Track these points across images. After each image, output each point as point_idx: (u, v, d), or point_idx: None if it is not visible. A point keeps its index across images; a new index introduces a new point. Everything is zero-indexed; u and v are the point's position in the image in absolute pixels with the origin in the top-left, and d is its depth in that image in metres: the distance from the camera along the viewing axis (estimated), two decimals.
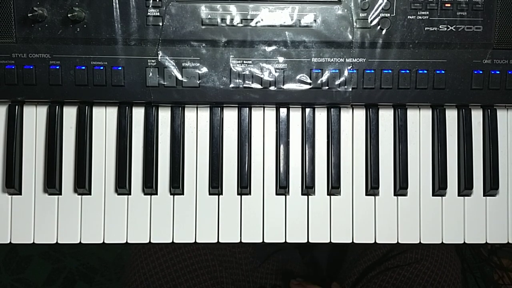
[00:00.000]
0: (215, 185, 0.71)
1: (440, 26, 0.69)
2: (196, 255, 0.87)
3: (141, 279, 0.85)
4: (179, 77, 0.68)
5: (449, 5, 0.68)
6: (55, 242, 0.71)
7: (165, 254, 0.86)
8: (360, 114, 0.73)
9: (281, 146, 0.72)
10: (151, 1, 0.67)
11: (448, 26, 0.69)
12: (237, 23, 0.68)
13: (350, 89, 0.69)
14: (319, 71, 0.69)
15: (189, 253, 0.87)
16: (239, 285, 0.93)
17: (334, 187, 0.71)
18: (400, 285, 0.87)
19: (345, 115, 0.73)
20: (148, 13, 0.67)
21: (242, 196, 0.72)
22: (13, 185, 0.70)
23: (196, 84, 0.68)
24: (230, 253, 0.92)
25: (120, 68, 0.68)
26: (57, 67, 0.68)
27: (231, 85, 0.69)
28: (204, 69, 0.68)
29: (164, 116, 0.72)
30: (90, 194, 0.71)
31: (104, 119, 0.72)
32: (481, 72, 0.69)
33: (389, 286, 0.87)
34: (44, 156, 0.71)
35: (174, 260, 0.85)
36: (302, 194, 0.72)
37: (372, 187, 0.71)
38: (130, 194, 0.71)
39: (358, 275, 0.94)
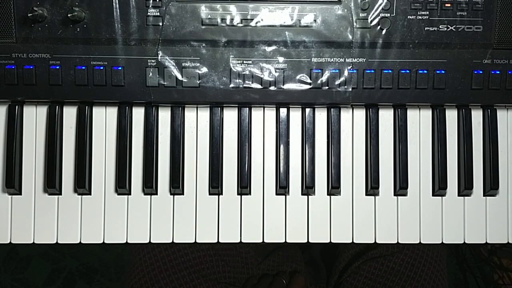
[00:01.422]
0: (215, 185, 0.71)
1: (440, 26, 0.69)
2: (198, 249, 0.87)
3: (143, 273, 0.85)
4: (179, 77, 0.68)
5: (449, 5, 0.68)
6: (55, 242, 0.71)
7: (167, 248, 0.86)
8: (360, 114, 0.73)
9: (281, 146, 0.72)
10: (151, 1, 0.67)
11: (448, 26, 0.69)
12: (237, 23, 0.68)
13: (350, 89, 0.69)
14: (319, 71, 0.69)
15: (190, 247, 0.87)
16: (241, 277, 0.93)
17: (334, 187, 0.71)
18: (384, 275, 0.87)
19: (345, 115, 0.73)
20: (148, 13, 0.67)
21: (242, 196, 0.72)
22: (13, 185, 0.70)
23: (196, 84, 0.68)
24: (232, 247, 0.92)
25: (120, 68, 0.68)
26: (57, 67, 0.68)
27: (231, 85, 0.69)
28: (204, 69, 0.68)
29: (164, 116, 0.72)
30: (90, 194, 0.71)
31: (104, 119, 0.72)
32: (481, 72, 0.69)
33: (373, 277, 0.88)
34: (44, 156, 0.71)
35: (176, 254, 0.86)
36: (302, 194, 0.72)
37: (372, 187, 0.71)
38: (130, 194, 0.71)
39: (344, 265, 0.95)
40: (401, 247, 0.88)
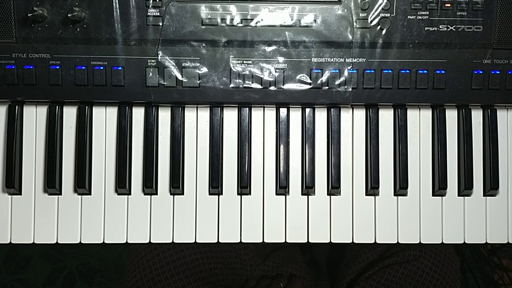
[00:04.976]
0: (215, 185, 0.71)
1: (440, 26, 0.69)
2: (196, 252, 0.87)
3: (141, 275, 0.85)
4: (179, 77, 0.68)
5: (449, 5, 0.68)
6: (55, 242, 0.71)
7: (165, 250, 0.86)
8: (360, 114, 0.73)
9: (281, 146, 0.72)
10: (151, 1, 0.67)
11: (448, 26, 0.69)
12: (237, 23, 0.68)
13: (350, 89, 0.69)
14: (319, 71, 0.69)
15: (188, 250, 0.87)
16: (240, 279, 0.93)
17: (334, 187, 0.71)
18: (399, 282, 0.87)
19: (345, 115, 0.73)
20: (148, 13, 0.67)
21: (242, 196, 0.72)
22: (13, 185, 0.70)
23: (196, 84, 0.68)
24: (231, 248, 0.92)
25: (120, 68, 0.68)
26: (57, 67, 0.68)
27: (231, 85, 0.69)
28: (204, 69, 0.68)
29: (164, 116, 0.72)
30: (90, 194, 0.71)
31: (104, 119, 0.72)
32: (481, 72, 0.69)
33: (387, 283, 0.87)
34: (44, 156, 0.71)
35: (174, 256, 0.86)
36: (302, 194, 0.72)
37: (372, 187, 0.71)
38: (130, 194, 0.71)
39: (356, 273, 0.94)
40: (417, 256, 0.88)
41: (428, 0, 0.68)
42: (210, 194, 0.72)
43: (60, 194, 0.71)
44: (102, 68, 0.68)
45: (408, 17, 0.68)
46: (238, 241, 0.71)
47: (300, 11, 0.68)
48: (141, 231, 0.71)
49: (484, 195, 0.73)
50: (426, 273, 0.87)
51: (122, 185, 0.70)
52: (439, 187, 0.71)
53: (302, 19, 0.68)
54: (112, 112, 0.72)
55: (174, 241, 0.71)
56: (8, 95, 0.69)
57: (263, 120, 0.73)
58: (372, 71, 0.69)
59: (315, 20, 0.68)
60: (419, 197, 0.73)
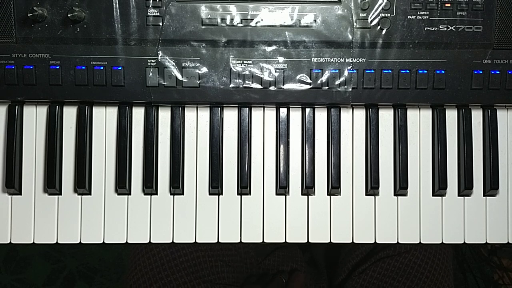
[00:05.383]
0: (215, 185, 0.71)
1: (440, 26, 0.69)
2: (197, 250, 0.87)
3: (142, 273, 0.86)
4: (179, 77, 0.68)
5: (449, 5, 0.68)
6: (55, 242, 0.71)
7: (165, 248, 0.86)
8: (360, 114, 0.73)
9: (281, 146, 0.72)
10: (151, 1, 0.67)
11: (448, 26, 0.69)
12: (237, 23, 0.68)
13: (350, 89, 0.69)
14: (319, 71, 0.69)
15: (189, 248, 0.87)
16: (241, 277, 0.93)
17: (334, 187, 0.71)
18: (391, 275, 0.87)
19: (345, 115, 0.73)
20: (148, 13, 0.67)
21: (242, 196, 0.72)
22: (13, 185, 0.70)
23: (196, 84, 0.68)
24: (232, 247, 0.92)
25: (120, 68, 0.68)
26: (57, 67, 0.68)
27: (231, 85, 0.69)
28: (204, 69, 0.68)
29: (164, 116, 0.72)
30: (90, 194, 0.71)
31: (104, 119, 0.72)
32: (481, 72, 0.69)
33: (380, 276, 0.88)
34: (44, 156, 0.71)
35: (175, 254, 0.86)
36: (302, 194, 0.72)
37: (372, 187, 0.71)
38: (130, 194, 0.71)
39: (351, 269, 0.95)
40: (408, 248, 0.88)
41: (428, 0, 0.68)
42: (210, 194, 0.72)
43: (60, 194, 0.71)
44: (102, 68, 0.68)
45: (408, 17, 0.68)
46: (238, 241, 0.71)
47: (300, 11, 0.68)
48: (141, 231, 0.71)
49: (484, 195, 0.73)
50: (417, 265, 0.87)
51: (122, 185, 0.70)
52: (439, 187, 0.71)
53: (302, 19, 0.68)
54: (112, 112, 0.72)
55: (174, 241, 0.71)
56: (8, 95, 0.69)
57: (263, 120, 0.73)
58: (372, 71, 0.69)
59: (315, 20, 0.68)
60: (419, 197, 0.73)
